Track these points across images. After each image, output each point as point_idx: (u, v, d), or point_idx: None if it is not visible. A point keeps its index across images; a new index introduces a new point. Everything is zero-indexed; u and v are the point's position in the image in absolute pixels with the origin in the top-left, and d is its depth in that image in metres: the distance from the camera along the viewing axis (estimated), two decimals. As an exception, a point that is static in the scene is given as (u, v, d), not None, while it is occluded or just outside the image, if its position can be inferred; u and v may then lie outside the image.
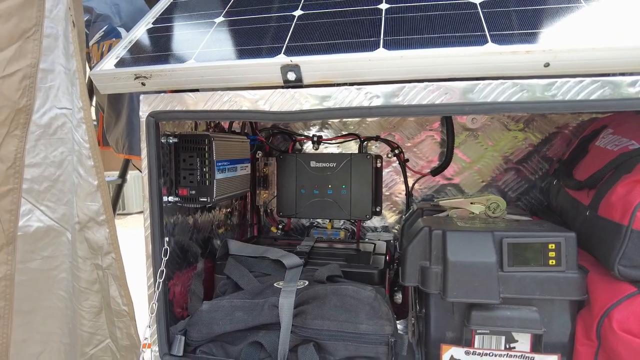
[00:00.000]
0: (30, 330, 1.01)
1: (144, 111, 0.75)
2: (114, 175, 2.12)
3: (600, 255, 0.70)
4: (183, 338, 0.76)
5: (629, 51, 0.58)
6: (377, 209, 1.15)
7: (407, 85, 0.66)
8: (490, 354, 0.72)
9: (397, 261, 1.04)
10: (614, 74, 0.61)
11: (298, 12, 0.79)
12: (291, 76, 0.67)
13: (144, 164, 0.76)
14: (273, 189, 1.20)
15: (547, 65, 0.61)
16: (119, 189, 1.96)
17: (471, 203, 0.86)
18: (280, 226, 1.21)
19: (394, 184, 1.17)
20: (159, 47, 0.77)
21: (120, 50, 0.80)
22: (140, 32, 0.84)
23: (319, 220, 1.21)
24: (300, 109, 0.69)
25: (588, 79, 0.61)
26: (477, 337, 0.72)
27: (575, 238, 0.69)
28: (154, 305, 0.73)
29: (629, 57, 0.58)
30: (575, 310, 0.70)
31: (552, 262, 0.68)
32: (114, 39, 1.23)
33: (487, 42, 0.63)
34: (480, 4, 0.72)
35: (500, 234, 0.70)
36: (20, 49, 0.89)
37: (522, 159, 1.10)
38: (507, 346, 0.71)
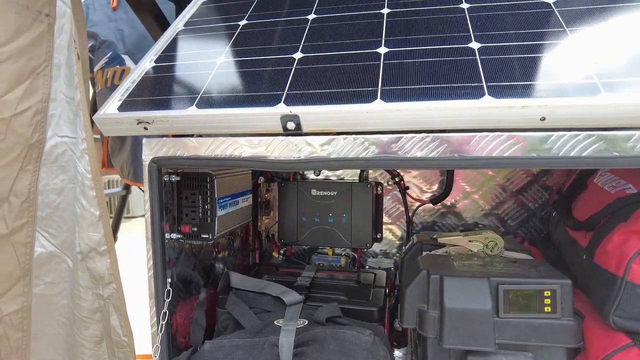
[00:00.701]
0: (35, 356, 1.03)
1: (146, 155, 0.76)
2: (118, 187, 2.14)
3: (596, 302, 0.70)
4: (185, 377, 0.78)
5: (622, 107, 0.59)
6: (378, 236, 1.16)
7: (404, 135, 0.67)
8: (487, 397, 0.73)
9: (397, 289, 1.05)
10: (610, 128, 0.62)
11: (298, 55, 0.79)
12: (291, 125, 0.68)
13: (147, 206, 0.78)
14: (275, 214, 1.22)
15: (543, 119, 0.62)
16: (123, 199, 1.98)
17: (469, 241, 0.87)
18: (281, 251, 1.22)
19: (394, 211, 1.18)
20: (160, 90, 0.78)
21: (123, 91, 0.81)
22: (142, 71, 0.85)
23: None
24: (299, 157, 0.70)
25: (583, 133, 0.61)
26: (473, 380, 0.73)
27: (571, 285, 0.69)
28: (158, 347, 0.74)
29: (622, 112, 0.59)
30: (572, 356, 0.71)
31: (548, 309, 0.69)
32: (117, 66, 1.24)
33: (484, 94, 0.63)
34: (478, 49, 0.72)
35: (496, 279, 0.71)
36: (31, 86, 0.91)
37: (521, 188, 1.11)
38: (504, 390, 0.72)
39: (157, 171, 0.75)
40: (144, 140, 0.77)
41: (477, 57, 0.71)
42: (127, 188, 1.95)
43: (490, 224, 1.14)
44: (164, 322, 0.75)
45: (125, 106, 0.77)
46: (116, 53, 1.25)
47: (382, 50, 0.76)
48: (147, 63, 0.87)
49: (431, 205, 1.15)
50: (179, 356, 0.83)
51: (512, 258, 0.84)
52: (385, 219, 1.19)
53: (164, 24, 1.16)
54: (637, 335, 0.64)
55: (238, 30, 0.91)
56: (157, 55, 0.88)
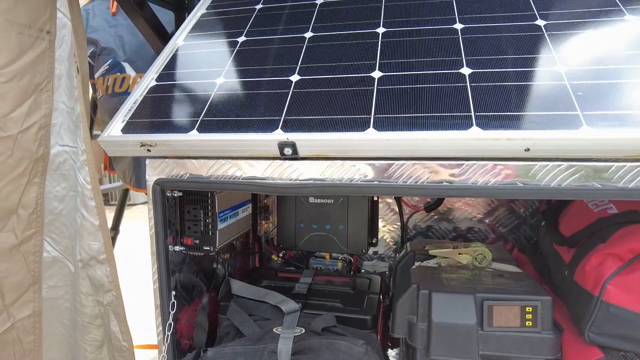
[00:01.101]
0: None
1: (150, 176, 0.80)
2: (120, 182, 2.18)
3: (574, 317, 0.75)
4: (190, 383, 0.83)
5: (601, 142, 0.62)
6: (374, 241, 1.20)
7: (395, 162, 0.70)
8: (471, 403, 0.78)
9: (391, 292, 1.10)
10: (590, 159, 0.65)
11: (295, 78, 0.82)
12: (287, 151, 0.72)
13: (151, 223, 0.82)
14: (274, 219, 1.26)
15: (527, 150, 0.65)
16: (125, 193, 2.01)
17: (459, 254, 0.91)
18: (280, 254, 1.26)
19: (389, 218, 1.22)
20: (162, 112, 0.81)
21: (126, 111, 0.84)
22: (144, 90, 0.88)
23: (318, 250, 1.26)
24: (297, 179, 0.73)
25: (565, 164, 0.65)
26: (459, 387, 0.78)
27: (551, 301, 0.74)
28: (164, 356, 0.79)
29: (601, 146, 0.62)
30: (550, 367, 0.76)
31: (529, 324, 0.74)
32: (118, 74, 1.27)
33: (472, 125, 0.67)
34: (469, 75, 0.75)
35: (481, 295, 0.76)
36: (35, 102, 0.94)
37: (512, 195, 1.14)
38: (487, 396, 0.78)
39: (161, 192, 0.79)
40: (148, 161, 0.81)
41: (468, 84, 0.73)
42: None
43: (482, 230, 1.19)
44: (169, 333, 0.80)
45: (128, 128, 0.80)
46: (116, 60, 1.27)
47: (376, 74, 0.79)
48: (149, 81, 0.90)
49: (425, 212, 1.18)
50: (184, 358, 0.89)
51: (499, 271, 0.89)
52: (380, 223, 1.23)
53: (162, 33, 1.17)
54: (609, 350, 0.68)
55: (237, 47, 0.93)
56: (158, 74, 0.91)
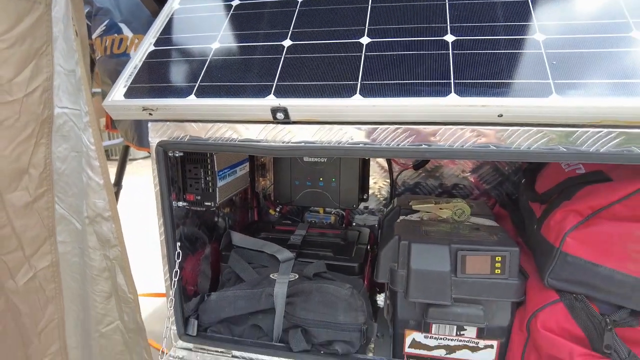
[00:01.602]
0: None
1: (152, 138, 0.86)
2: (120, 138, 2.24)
3: (538, 265, 0.84)
4: (196, 322, 0.94)
5: (567, 109, 0.67)
6: (364, 197, 1.28)
7: (379, 127, 0.76)
8: (444, 339, 0.89)
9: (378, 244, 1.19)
10: (557, 125, 0.70)
11: (287, 43, 0.86)
12: (280, 116, 0.77)
13: (155, 182, 0.89)
14: (270, 176, 1.33)
15: (500, 115, 0.70)
16: (125, 149, 2.07)
17: (440, 209, 0.98)
18: (277, 209, 1.35)
19: (380, 175, 1.29)
20: (161, 77, 0.86)
21: (127, 76, 0.88)
22: (143, 55, 0.91)
23: (313, 204, 1.34)
24: (289, 143, 0.79)
25: (534, 129, 0.71)
26: (434, 325, 0.88)
27: (519, 252, 0.82)
28: (172, 299, 0.89)
29: (567, 113, 0.68)
30: (515, 308, 0.86)
31: (498, 271, 0.83)
32: (115, 35, 1.28)
33: (450, 92, 0.72)
34: (452, 43, 0.79)
35: (456, 246, 0.84)
36: (37, 66, 0.98)
37: (497, 154, 1.20)
38: (458, 333, 0.88)
39: (164, 153, 0.85)
40: (150, 124, 0.86)
41: (450, 51, 0.77)
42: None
43: (467, 186, 1.26)
44: (175, 279, 0.89)
45: (130, 93, 0.85)
46: (113, 21, 1.28)
47: (365, 40, 0.83)
48: (147, 46, 0.93)
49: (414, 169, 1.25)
50: (189, 303, 0.99)
51: (476, 224, 0.97)
52: (372, 180, 1.30)
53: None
54: (564, 293, 0.78)
55: (231, 11, 0.96)
56: (156, 38, 0.94)
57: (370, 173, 1.29)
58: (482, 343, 0.88)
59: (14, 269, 1.00)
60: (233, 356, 0.92)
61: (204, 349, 0.93)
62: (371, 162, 1.27)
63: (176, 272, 0.89)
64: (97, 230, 1.15)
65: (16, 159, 0.97)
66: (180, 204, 0.96)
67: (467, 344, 0.88)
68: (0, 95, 0.91)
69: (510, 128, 0.72)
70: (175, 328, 0.94)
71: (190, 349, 0.94)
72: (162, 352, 0.89)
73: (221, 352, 0.92)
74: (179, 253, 0.91)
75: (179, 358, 0.94)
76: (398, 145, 0.75)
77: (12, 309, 1.00)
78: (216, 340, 0.93)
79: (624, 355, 0.72)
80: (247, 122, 0.81)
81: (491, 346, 0.88)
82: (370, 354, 1.02)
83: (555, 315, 0.77)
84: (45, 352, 1.10)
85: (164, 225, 0.90)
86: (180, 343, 0.94)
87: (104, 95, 1.52)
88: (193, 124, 0.84)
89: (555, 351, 0.77)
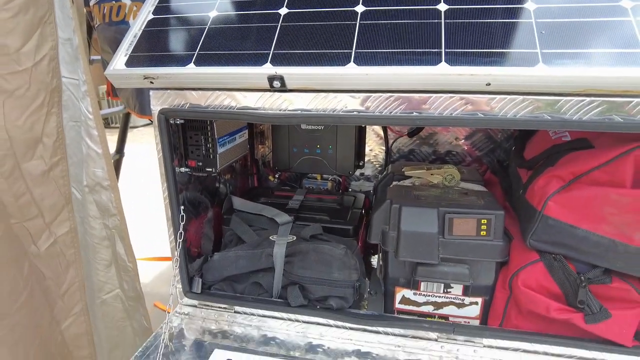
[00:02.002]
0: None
1: (154, 106, 0.89)
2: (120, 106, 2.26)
3: (522, 228, 0.88)
4: (200, 280, 1.00)
5: (552, 78, 0.70)
6: (360, 163, 1.32)
7: (372, 94, 0.79)
8: (432, 296, 0.96)
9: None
10: (542, 94, 0.73)
11: (283, 11, 0.87)
12: (276, 84, 0.80)
13: (158, 148, 0.92)
14: (269, 143, 1.36)
15: (488, 84, 0.73)
16: (126, 116, 2.09)
17: (431, 174, 1.03)
18: (276, 175, 1.39)
19: (376, 142, 1.32)
20: (161, 45, 0.88)
21: (127, 45, 0.90)
22: (142, 24, 0.93)
23: (311, 170, 1.38)
24: (286, 110, 0.82)
25: (520, 97, 0.74)
26: (422, 283, 0.94)
27: (503, 215, 0.87)
28: (177, 259, 0.95)
29: (552, 82, 0.70)
30: (499, 268, 0.91)
31: (483, 233, 0.88)
32: (113, 2, 1.28)
33: (440, 61, 0.74)
34: (445, 12, 0.80)
35: (444, 209, 0.89)
36: (42, 35, 0.99)
37: (490, 122, 1.23)
38: (445, 290, 0.94)
39: (165, 121, 0.88)
40: (151, 93, 0.89)
41: (442, 20, 0.79)
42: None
43: (460, 153, 1.29)
44: (180, 240, 0.94)
45: (131, 62, 0.87)
46: (110, -13, 1.28)
47: (359, 8, 0.84)
48: (146, 14, 0.94)
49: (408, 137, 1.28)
50: (193, 263, 1.05)
51: (465, 189, 1.01)
52: (367, 147, 1.33)
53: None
54: (544, 253, 0.83)
55: (228, -22, 0.96)
56: (154, 7, 0.95)
57: (366, 141, 1.32)
58: (467, 300, 0.94)
59: (36, 235, 1.05)
60: (235, 311, 0.99)
61: (208, 305, 1.00)
62: (367, 130, 1.30)
63: (180, 233, 0.94)
64: (96, 200, 1.20)
65: (30, 128, 1.00)
66: (183, 169, 1.01)
67: (454, 300, 0.95)
68: (10, 65, 0.93)
69: (498, 96, 0.74)
70: (180, 286, 1.00)
71: (195, 306, 1.01)
72: (168, 312, 0.95)
73: (224, 308, 0.99)
74: (182, 216, 0.96)
75: (184, 314, 1.01)
76: (390, 112, 0.78)
77: (37, 273, 1.06)
78: (219, 297, 0.99)
79: (596, 310, 0.78)
80: (245, 90, 0.84)
81: (476, 303, 0.94)
82: (364, 310, 1.09)
83: (535, 274, 0.83)
84: (70, 312, 1.17)
85: (167, 189, 0.95)
86: (186, 300, 1.01)
87: (103, 63, 1.54)
88: (193, 92, 0.87)
89: (533, 306, 0.83)
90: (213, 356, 0.86)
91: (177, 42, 0.88)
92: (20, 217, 1.00)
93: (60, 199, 1.10)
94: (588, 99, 0.71)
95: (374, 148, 1.34)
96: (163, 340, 0.87)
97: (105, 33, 1.35)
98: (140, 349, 0.87)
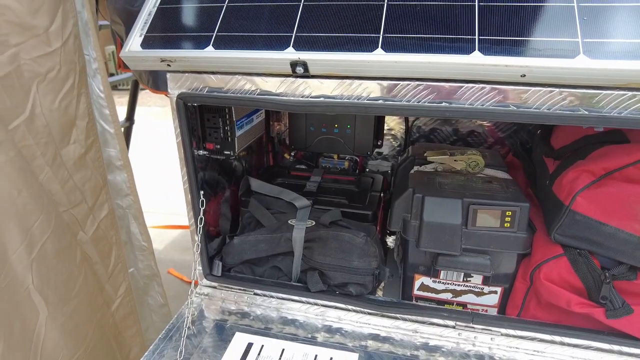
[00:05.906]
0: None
1: (172, 89, 0.86)
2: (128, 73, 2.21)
3: (547, 220, 0.87)
4: (220, 263, 1.01)
5: (593, 71, 0.66)
6: (379, 143, 1.29)
7: (400, 83, 0.75)
8: (452, 284, 0.96)
9: (391, 188, 1.23)
10: (581, 87, 0.69)
11: (306, -11, 0.82)
12: (299, 70, 0.77)
13: (177, 132, 0.90)
14: (285, 120, 1.33)
15: (523, 76, 0.69)
16: (135, 83, 2.05)
17: (454, 160, 1.00)
18: (292, 153, 1.37)
19: (395, 120, 1.29)
20: (177, 25, 0.84)
21: (142, 24, 0.86)
22: (156, 0, 0.88)
23: (327, 149, 1.36)
24: (308, 97, 0.80)
25: (557, 90, 0.70)
26: (442, 271, 0.94)
27: (529, 207, 0.85)
28: (198, 244, 0.95)
29: (593, 75, 0.66)
30: (520, 259, 0.91)
31: (507, 225, 0.86)
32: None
33: (474, 49, 0.70)
34: (480, -8, 0.75)
35: (468, 200, 0.87)
36: (64, 13, 0.95)
37: (515, 103, 1.19)
38: (465, 279, 0.94)
39: (184, 106, 0.86)
40: (169, 75, 0.86)
41: (476, 3, 0.74)
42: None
43: (482, 134, 1.26)
44: (200, 225, 0.94)
45: (147, 43, 0.84)
46: (121, -46, 1.21)
47: (388, -12, 0.79)
48: (159, -10, 0.90)
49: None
50: (212, 243, 1.06)
51: (489, 177, 0.99)
52: (386, 126, 1.30)
53: None
54: (568, 248, 0.82)
55: (246, -49, 0.90)
56: (168, -18, 0.90)
57: (385, 120, 1.29)
58: (486, 289, 0.94)
59: (82, 221, 1.05)
60: (255, 294, 1.00)
61: (228, 287, 1.02)
62: (387, 109, 1.27)
63: (201, 219, 0.94)
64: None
65: (64, 112, 0.97)
66: (201, 152, 0.99)
67: (473, 289, 0.95)
68: (41, 47, 0.88)
69: (532, 88, 0.71)
70: (201, 268, 1.02)
71: (215, 287, 1.03)
72: (190, 291, 0.96)
73: (243, 290, 1.01)
74: (202, 201, 0.95)
75: (204, 294, 1.02)
76: (419, 102, 0.75)
77: (87, 259, 1.07)
78: (239, 280, 1.01)
79: (618, 305, 0.77)
80: (265, 75, 0.81)
81: (495, 292, 0.94)
82: (380, 293, 1.10)
83: (558, 268, 0.82)
84: (116, 294, 1.19)
85: (187, 174, 0.94)
86: (206, 282, 1.02)
87: (113, 33, 1.49)
88: (212, 75, 0.84)
89: (555, 299, 0.83)
90: (234, 340, 0.88)
91: (194, 21, 0.84)
92: (68, 204, 0.99)
93: (99, 182, 1.09)
94: (630, 93, 0.67)
95: (393, 127, 1.31)
96: (186, 325, 0.89)
97: (115, 4, 1.30)
98: (163, 332, 0.90)
